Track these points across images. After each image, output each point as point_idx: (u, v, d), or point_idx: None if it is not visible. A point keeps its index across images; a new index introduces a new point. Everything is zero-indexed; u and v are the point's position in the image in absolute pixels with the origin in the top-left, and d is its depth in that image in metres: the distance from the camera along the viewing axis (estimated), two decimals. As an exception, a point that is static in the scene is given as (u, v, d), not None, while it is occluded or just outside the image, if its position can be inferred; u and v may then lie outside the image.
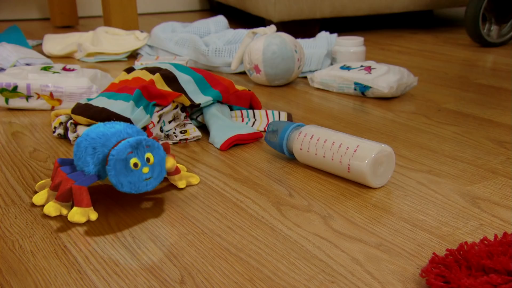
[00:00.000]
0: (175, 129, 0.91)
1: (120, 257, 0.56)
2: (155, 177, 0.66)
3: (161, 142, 0.87)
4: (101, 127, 0.67)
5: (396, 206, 0.66)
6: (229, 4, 2.25)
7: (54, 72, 1.10)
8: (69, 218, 0.62)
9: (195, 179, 0.73)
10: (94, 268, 0.54)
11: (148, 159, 0.65)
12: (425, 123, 0.97)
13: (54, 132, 0.92)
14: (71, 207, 0.65)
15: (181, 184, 0.72)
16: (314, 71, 1.35)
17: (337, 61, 1.34)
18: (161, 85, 0.92)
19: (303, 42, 1.45)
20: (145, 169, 0.64)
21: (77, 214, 0.62)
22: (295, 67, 1.23)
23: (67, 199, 0.65)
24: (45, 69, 1.12)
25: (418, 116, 1.01)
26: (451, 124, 0.97)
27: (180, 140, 0.89)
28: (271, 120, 0.97)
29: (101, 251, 0.57)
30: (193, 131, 0.91)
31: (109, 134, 0.66)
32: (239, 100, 0.99)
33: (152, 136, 0.87)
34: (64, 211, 0.64)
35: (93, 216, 0.63)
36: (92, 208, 0.64)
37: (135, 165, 0.64)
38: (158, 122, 0.88)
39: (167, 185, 0.73)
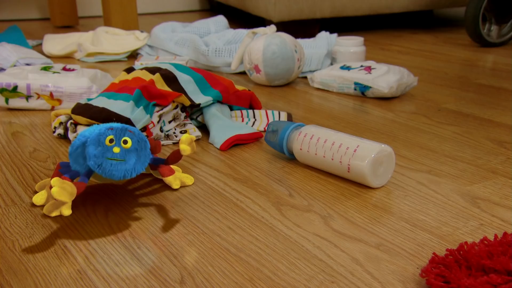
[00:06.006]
0: (175, 129, 0.91)
1: (120, 257, 0.56)
2: (127, 164, 0.63)
3: (162, 141, 0.87)
4: (96, 126, 0.67)
5: (396, 206, 0.66)
6: (229, 4, 2.25)
7: (54, 72, 1.10)
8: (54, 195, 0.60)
9: (189, 180, 0.73)
10: (94, 268, 0.54)
11: (125, 141, 0.63)
12: (425, 123, 0.97)
13: (54, 132, 0.92)
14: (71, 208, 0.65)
15: (175, 184, 0.72)
16: (314, 71, 1.35)
17: (337, 61, 1.34)
18: (161, 85, 0.92)
19: (303, 42, 1.45)
20: (116, 149, 0.63)
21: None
22: (295, 67, 1.22)
23: None
24: (45, 69, 1.12)
25: (418, 116, 1.01)
26: (451, 124, 0.97)
27: (180, 140, 0.89)
28: (271, 120, 0.97)
29: (101, 251, 0.57)
30: (193, 131, 0.91)
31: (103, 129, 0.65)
32: (239, 100, 0.99)
33: (152, 137, 0.87)
34: (64, 211, 0.64)
35: (66, 211, 0.62)
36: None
37: (111, 141, 0.62)
38: (158, 122, 0.88)
39: (166, 185, 0.73)
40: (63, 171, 0.68)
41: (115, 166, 0.63)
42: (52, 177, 0.69)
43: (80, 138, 0.65)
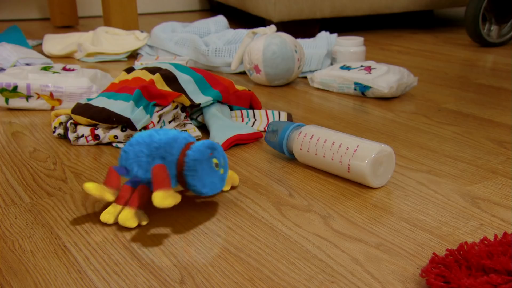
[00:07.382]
0: (175, 129, 0.91)
1: (120, 257, 0.56)
2: (226, 178, 0.67)
3: None
4: (158, 136, 0.65)
5: (396, 206, 0.66)
6: (229, 4, 2.25)
7: (54, 72, 1.10)
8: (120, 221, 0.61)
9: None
10: (94, 268, 0.54)
11: (224, 160, 0.67)
12: (425, 123, 0.97)
13: (54, 132, 0.92)
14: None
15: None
16: (314, 71, 1.35)
17: (337, 61, 1.34)
18: (161, 85, 0.92)
19: (303, 42, 1.45)
20: (222, 170, 0.66)
21: (129, 219, 0.61)
22: (295, 67, 1.22)
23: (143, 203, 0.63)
24: (45, 69, 1.12)
25: (418, 116, 1.01)
26: (451, 124, 0.97)
27: (180, 140, 0.89)
28: (271, 120, 0.97)
29: (101, 251, 0.57)
30: (193, 131, 0.91)
31: (171, 141, 0.65)
32: (239, 100, 0.99)
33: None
34: (144, 221, 0.63)
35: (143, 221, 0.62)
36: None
37: (217, 165, 0.64)
38: (158, 122, 0.88)
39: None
40: (122, 174, 0.64)
41: (223, 183, 0.67)
42: (106, 183, 0.63)
43: (150, 148, 0.64)
